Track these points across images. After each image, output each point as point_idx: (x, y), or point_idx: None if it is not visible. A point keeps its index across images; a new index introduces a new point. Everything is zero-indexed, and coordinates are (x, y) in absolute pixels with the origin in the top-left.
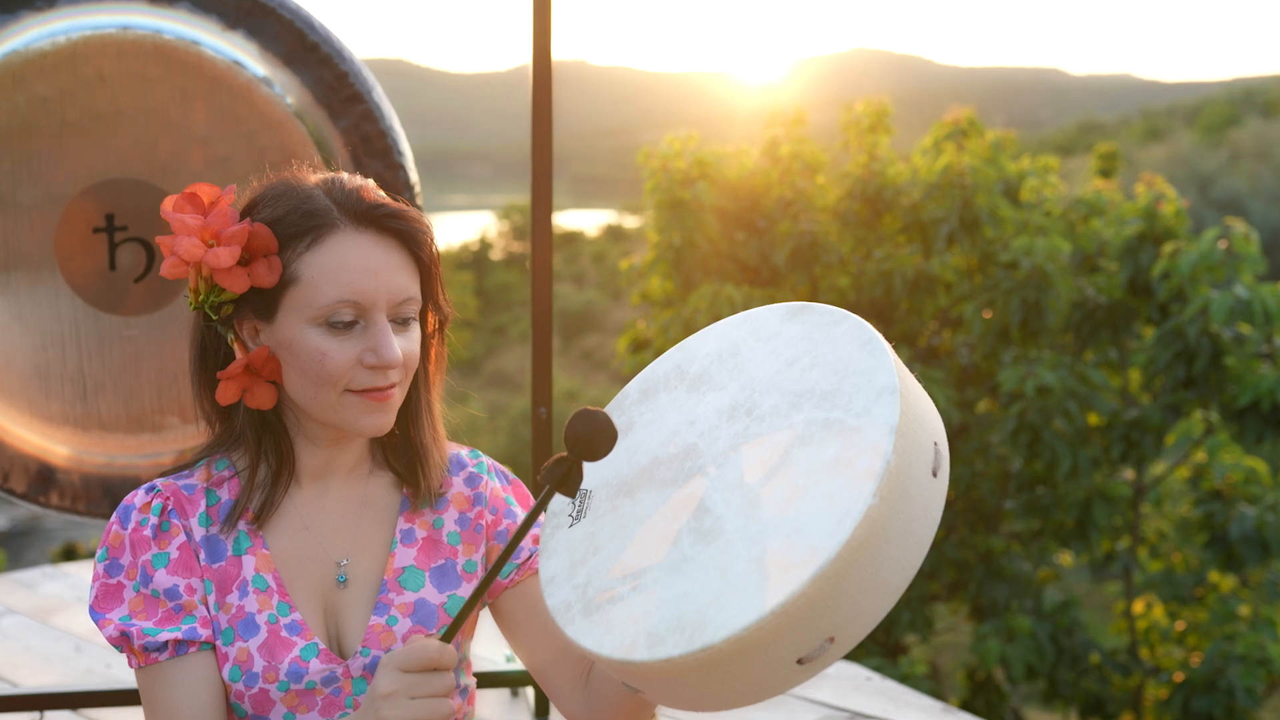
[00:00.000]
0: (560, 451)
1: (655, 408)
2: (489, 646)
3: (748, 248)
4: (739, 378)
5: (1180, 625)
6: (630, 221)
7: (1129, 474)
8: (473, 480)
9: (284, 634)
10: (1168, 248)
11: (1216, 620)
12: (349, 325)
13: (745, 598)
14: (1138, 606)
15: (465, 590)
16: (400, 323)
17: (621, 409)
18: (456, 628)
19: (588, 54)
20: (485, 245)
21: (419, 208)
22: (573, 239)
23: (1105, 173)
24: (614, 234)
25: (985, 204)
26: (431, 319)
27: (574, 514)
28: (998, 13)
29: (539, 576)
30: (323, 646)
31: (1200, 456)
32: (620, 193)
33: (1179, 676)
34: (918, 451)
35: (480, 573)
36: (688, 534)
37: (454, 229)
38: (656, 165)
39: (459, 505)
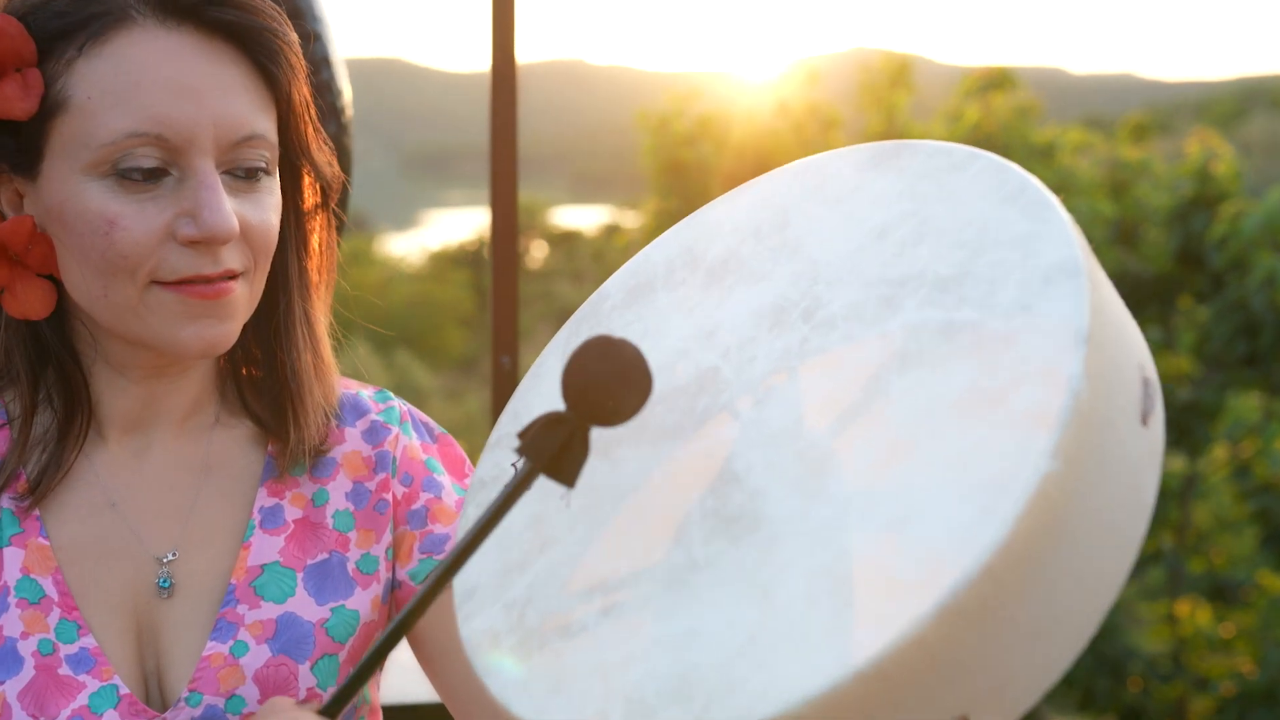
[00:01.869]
0: (552, 409)
1: (649, 314)
2: (405, 676)
3: None
4: (790, 261)
5: (1228, 630)
6: (630, 220)
7: (1177, 464)
8: (376, 433)
9: (64, 670)
10: (1226, 209)
11: (1266, 625)
12: (152, 176)
13: (808, 645)
14: (1181, 609)
15: (359, 602)
16: (242, 176)
17: (596, 318)
18: (349, 696)
19: (585, 53)
20: (482, 243)
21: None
22: (571, 238)
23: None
24: (612, 232)
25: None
26: (309, 186)
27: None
28: (998, 12)
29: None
30: (126, 691)
31: (1252, 444)
32: (619, 191)
33: (1229, 689)
34: (1119, 381)
35: (384, 572)
36: (701, 522)
37: (450, 226)
38: (655, 124)
39: (353, 471)
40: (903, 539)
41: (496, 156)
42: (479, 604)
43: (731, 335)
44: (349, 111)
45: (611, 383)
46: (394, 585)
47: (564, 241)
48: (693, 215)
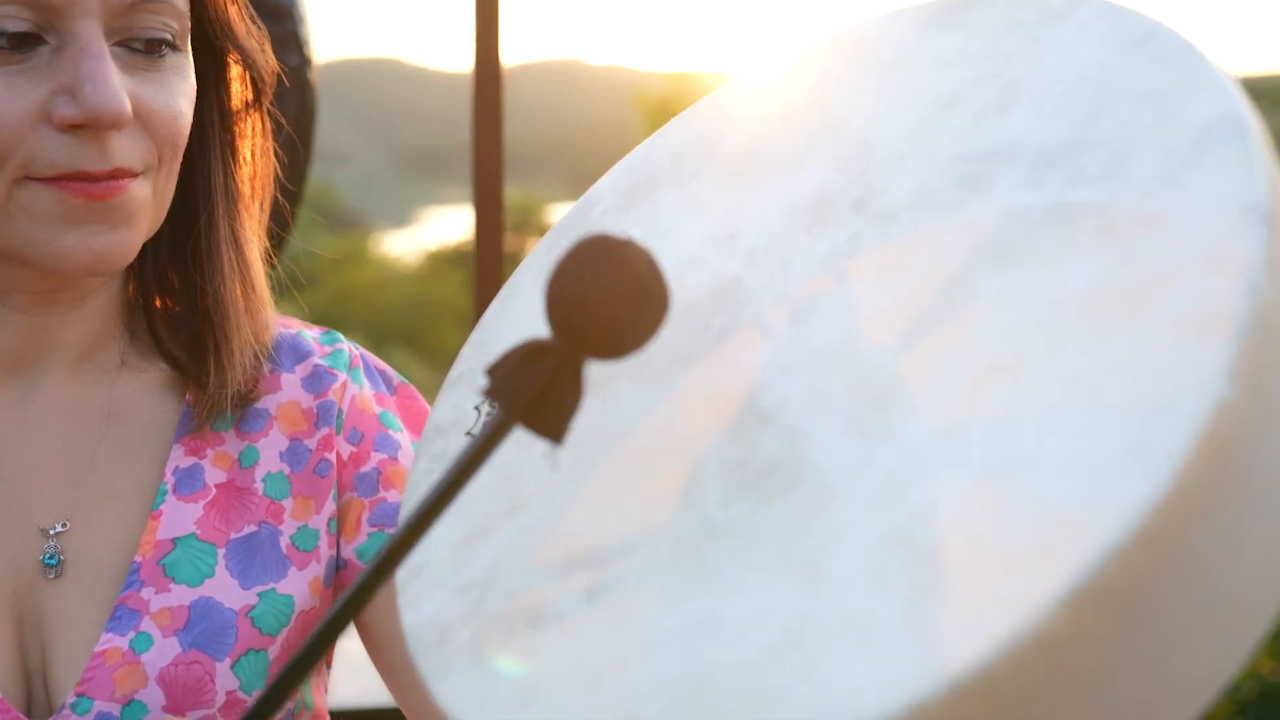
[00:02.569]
0: (534, 336)
1: (652, 217)
2: (354, 679)
3: None
4: (832, 144)
5: None
6: None
7: None
8: (319, 380)
9: None
10: None
11: None
12: (22, 44)
13: (875, 644)
14: None
15: (294, 585)
16: (141, 50)
17: (583, 228)
18: (279, 702)
19: (582, 53)
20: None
21: None
22: None
23: None
24: None
25: None
26: (239, 79)
27: (478, 433)
28: None
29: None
30: None
31: None
32: None
33: (1250, 690)
34: None
35: (325, 549)
36: (721, 474)
37: (447, 224)
38: (655, 107)
39: (290, 425)
40: (1009, 494)
41: (481, 156)
42: (428, 584)
43: (758, 236)
44: (312, 46)
45: (613, 299)
46: (339, 565)
47: None
48: (701, 101)
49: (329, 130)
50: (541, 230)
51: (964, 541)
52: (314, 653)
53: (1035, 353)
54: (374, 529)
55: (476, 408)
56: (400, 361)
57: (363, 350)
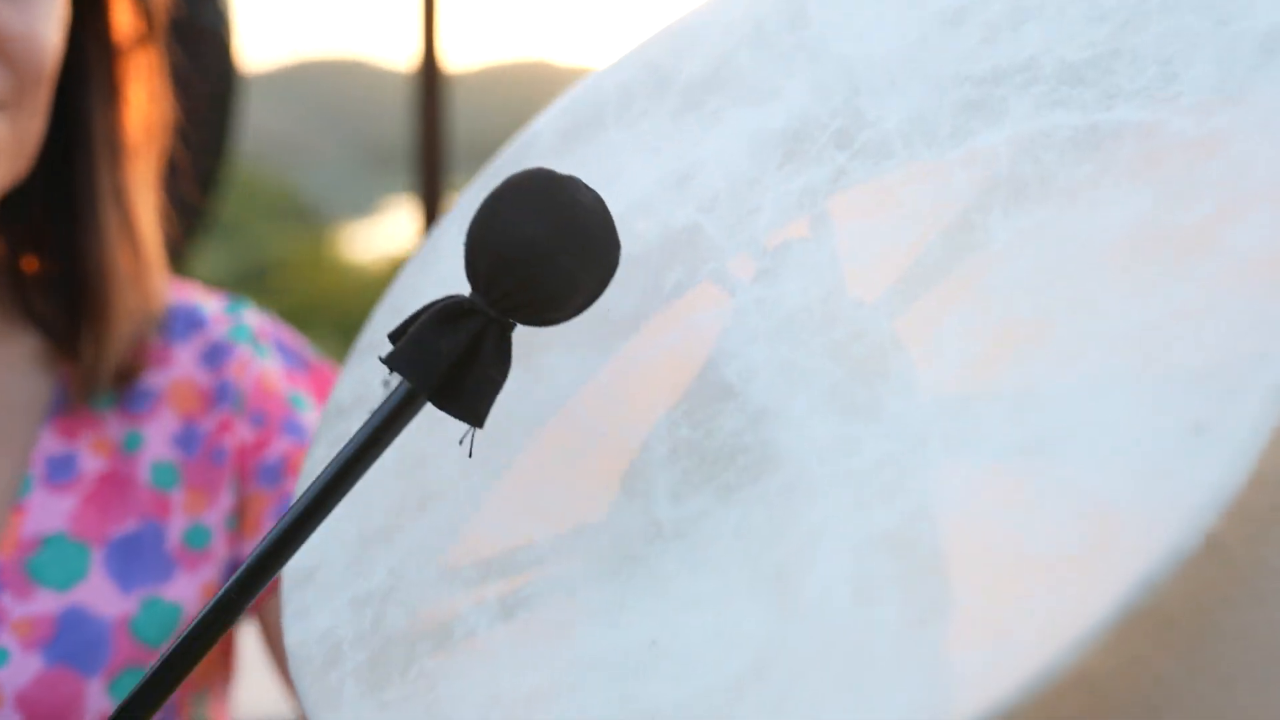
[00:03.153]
0: (451, 292)
1: (596, 157)
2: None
3: None
4: (810, 67)
5: None
6: None
7: None
8: (217, 355)
9: None
10: None
11: None
12: None
13: (865, 674)
14: None
15: (183, 590)
16: None
17: (516, 167)
18: (157, 703)
19: (550, 54)
20: None
21: None
22: None
23: None
24: None
25: None
26: (126, 8)
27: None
28: None
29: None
30: None
31: None
32: None
33: None
34: None
35: (222, 549)
36: (669, 461)
37: (408, 218)
38: None
39: (182, 405)
40: (1036, 486)
41: (426, 156)
42: (320, 593)
43: (720, 178)
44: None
45: (550, 248)
46: (237, 568)
47: None
48: (657, 30)
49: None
50: None
51: (977, 547)
52: (178, 665)
53: (1064, 309)
54: None
55: (385, 382)
56: None
57: (273, 321)
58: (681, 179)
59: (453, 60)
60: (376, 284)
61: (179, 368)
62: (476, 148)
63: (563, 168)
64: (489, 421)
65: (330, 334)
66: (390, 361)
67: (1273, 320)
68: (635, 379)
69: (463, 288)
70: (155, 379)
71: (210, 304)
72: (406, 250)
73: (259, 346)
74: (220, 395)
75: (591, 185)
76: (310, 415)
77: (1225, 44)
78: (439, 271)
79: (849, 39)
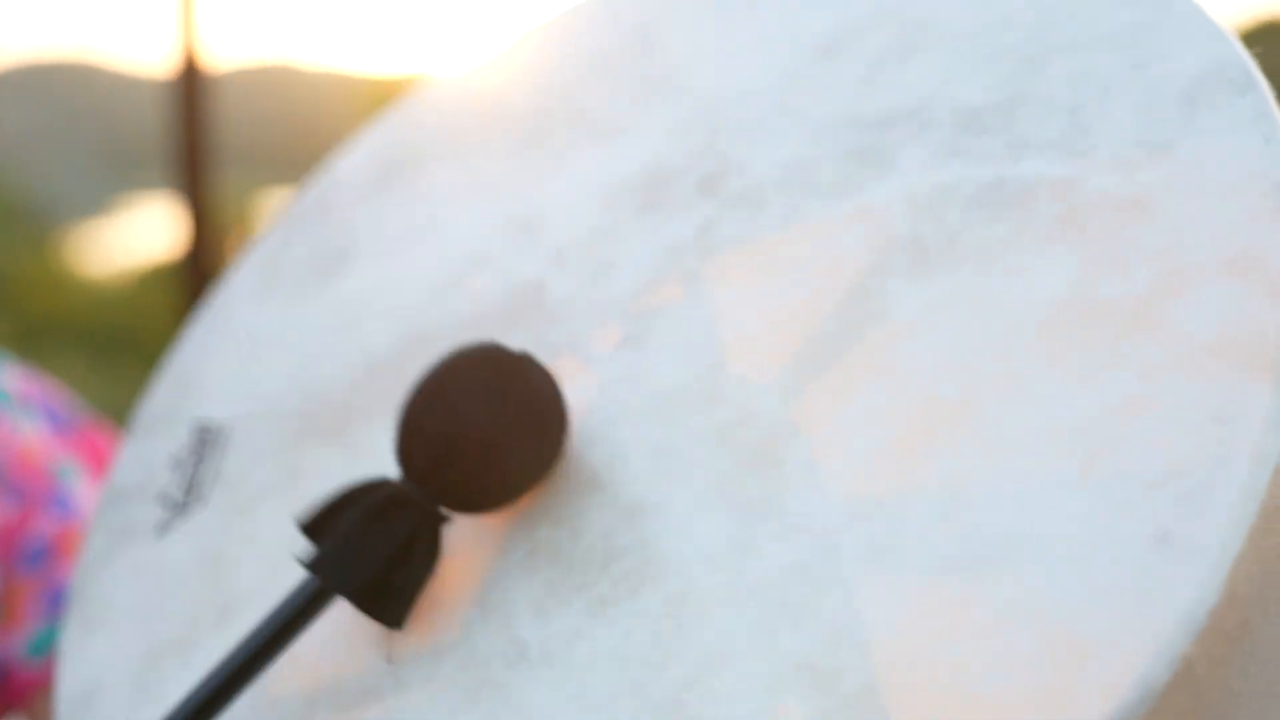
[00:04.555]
0: (373, 474)
1: (419, 199)
2: None
3: None
4: (664, 104)
5: None
6: None
7: None
8: None
9: None
10: None
11: None
12: None
13: None
14: None
15: None
16: None
17: (326, 216)
18: None
19: (293, 57)
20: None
21: None
22: None
23: None
24: None
25: None
26: None
27: (175, 498)
28: None
29: (58, 683)
30: None
31: None
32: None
33: None
34: None
35: None
36: (529, 568)
37: (140, 224)
38: (372, 104)
39: None
40: (981, 604)
41: (188, 159)
42: (102, 711)
43: (567, 227)
44: None
45: (503, 441)
46: (4, 667)
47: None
48: (482, 58)
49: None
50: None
51: (915, 683)
52: None
53: (988, 393)
54: (50, 620)
55: (175, 462)
56: (117, 373)
57: (34, 376)
58: (522, 227)
59: (205, 62)
60: (117, 299)
61: None
62: (220, 151)
63: (380, 208)
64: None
65: (68, 353)
66: (315, 567)
67: (1227, 415)
68: None
69: (266, 353)
70: None
71: None
72: (149, 262)
73: (19, 410)
74: None
75: (415, 232)
76: (80, 486)
77: (1142, 92)
78: (230, 331)
79: (707, 73)
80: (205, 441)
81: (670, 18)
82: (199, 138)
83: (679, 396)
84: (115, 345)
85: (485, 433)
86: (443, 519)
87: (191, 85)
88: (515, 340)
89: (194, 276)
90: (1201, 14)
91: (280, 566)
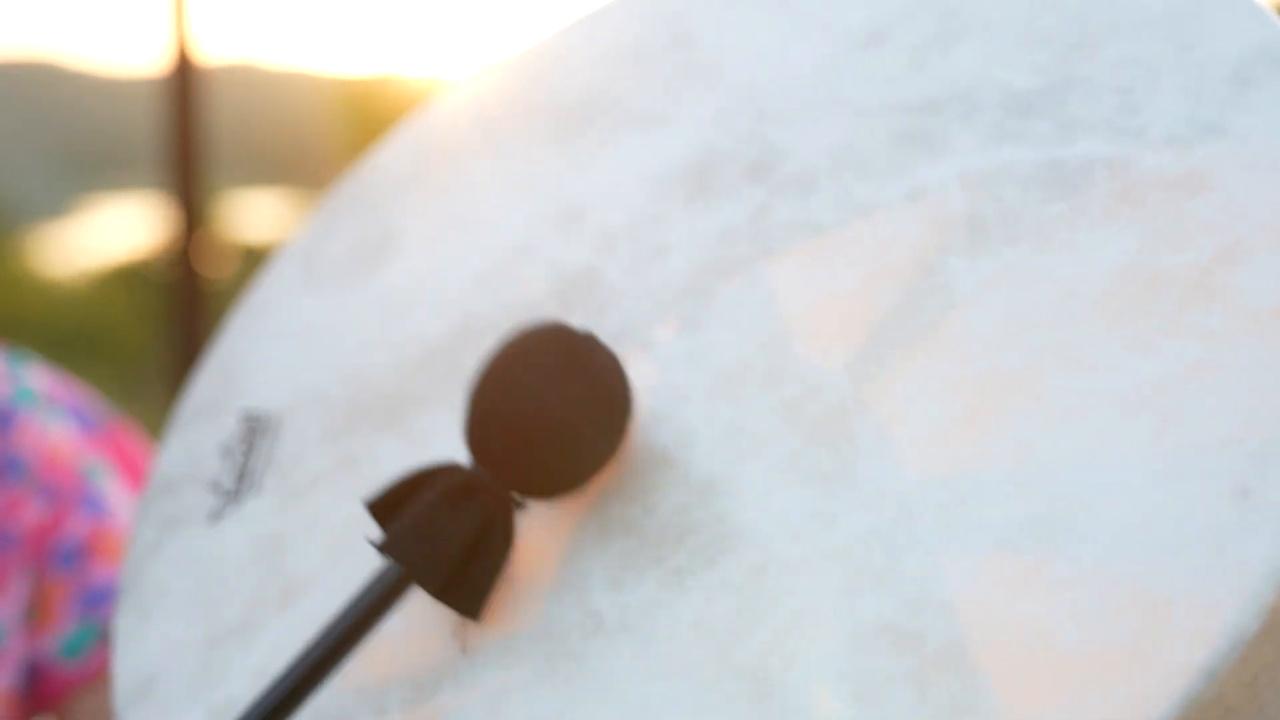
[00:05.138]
0: (442, 459)
1: (460, 191)
2: None
3: None
4: (705, 92)
5: None
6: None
7: None
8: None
9: None
10: None
11: None
12: None
13: None
14: None
15: None
16: None
17: (365, 206)
18: None
19: (258, 56)
20: (157, 259)
21: None
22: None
23: None
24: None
25: None
26: None
27: (227, 486)
28: None
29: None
30: None
31: None
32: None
33: None
34: None
35: (18, 648)
36: (603, 541)
37: (107, 226)
38: (351, 106)
39: None
40: (1058, 566)
41: (179, 156)
42: (162, 711)
43: (615, 213)
44: None
45: (574, 423)
46: (37, 668)
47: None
48: (516, 51)
49: None
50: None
51: (999, 641)
52: None
53: (1053, 362)
54: (84, 618)
55: (224, 450)
56: (83, 370)
57: (60, 378)
58: (569, 215)
59: (196, 61)
60: (79, 300)
61: None
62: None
63: (420, 201)
64: (362, 480)
65: (35, 353)
66: (389, 550)
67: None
68: None
69: (309, 346)
70: None
71: None
72: (109, 262)
73: (44, 408)
74: (5, 469)
75: (457, 223)
76: (109, 486)
77: (1191, 73)
78: (274, 323)
79: (746, 62)
80: (255, 430)
81: (705, 10)
82: (189, 136)
83: (744, 374)
84: (77, 345)
85: (555, 415)
86: (517, 505)
87: (183, 84)
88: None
89: (186, 273)
90: None
91: (342, 550)
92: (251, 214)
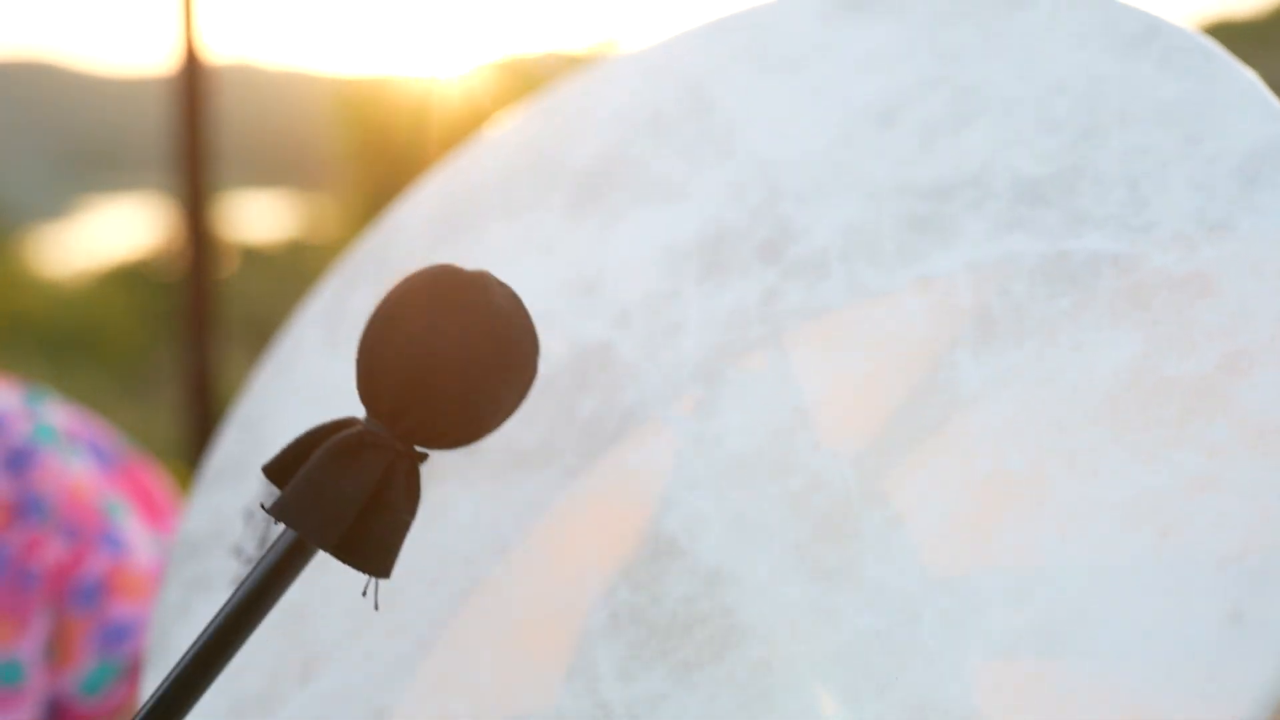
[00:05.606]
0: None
1: (477, 254)
2: None
3: None
4: (721, 164)
5: None
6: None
7: None
8: (20, 461)
9: None
10: None
11: None
12: None
13: None
14: None
15: None
16: None
17: (385, 263)
18: None
19: (256, 56)
20: (157, 258)
21: None
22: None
23: None
24: (297, 247)
25: None
26: None
27: (249, 552)
28: (691, 10)
29: None
30: None
31: None
32: (300, 179)
33: None
34: None
35: (40, 685)
36: (612, 633)
37: (106, 226)
38: (354, 110)
39: None
40: (1061, 677)
41: (186, 165)
42: None
43: (629, 288)
44: None
45: (466, 365)
46: (57, 704)
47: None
48: (536, 103)
49: None
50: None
51: None
52: None
53: (1061, 469)
54: (104, 656)
55: (248, 513)
56: (80, 376)
57: (77, 414)
58: (585, 287)
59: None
60: (79, 299)
61: None
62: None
63: (438, 261)
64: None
65: (33, 352)
66: (279, 512)
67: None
68: (554, 528)
69: (330, 399)
70: None
71: (6, 398)
72: (109, 262)
73: (67, 448)
74: (26, 508)
75: None
76: (129, 522)
77: (1200, 167)
78: (295, 378)
79: (761, 134)
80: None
81: (722, 75)
82: (196, 135)
83: (753, 463)
84: (77, 346)
85: (448, 358)
86: (418, 456)
87: (190, 83)
88: (587, 402)
89: (187, 273)
90: (1252, 88)
91: (362, 622)
92: (251, 214)
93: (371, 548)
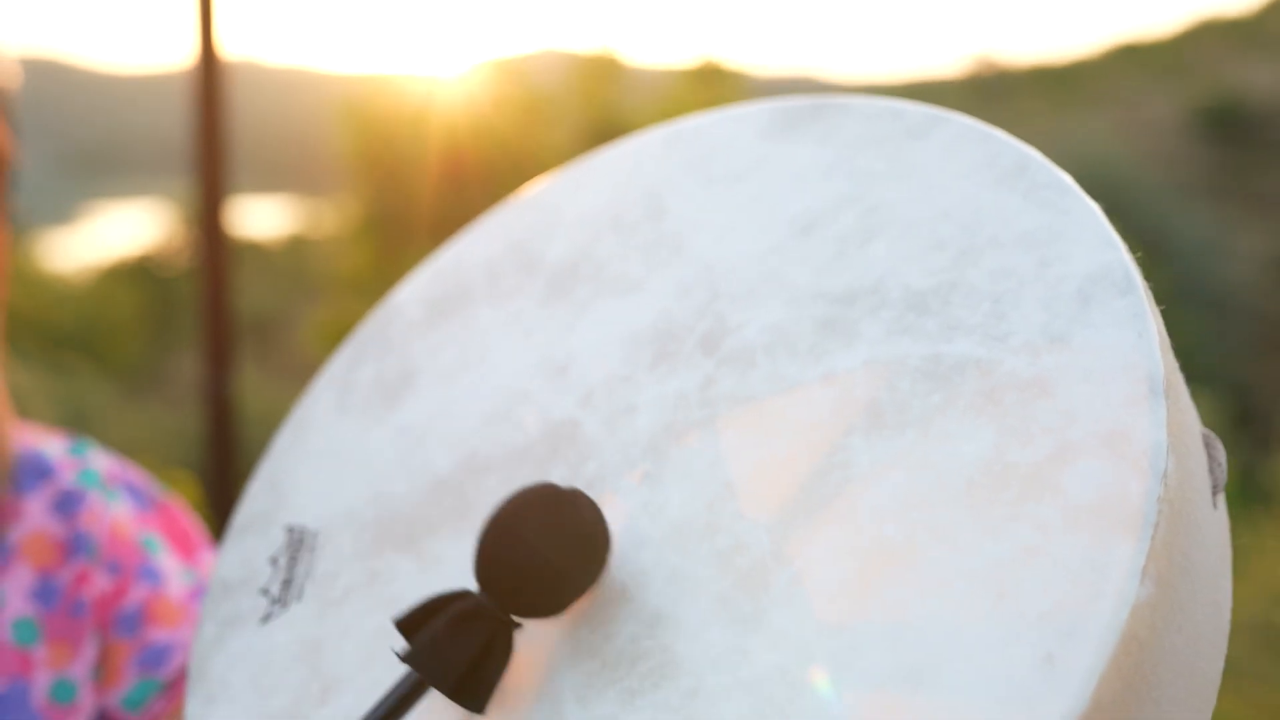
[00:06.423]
0: (455, 586)
1: (466, 337)
2: None
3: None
4: (671, 265)
5: None
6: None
7: None
8: (70, 504)
9: None
10: None
11: None
12: None
13: None
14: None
15: None
16: None
17: (385, 342)
18: None
19: (259, 54)
20: (158, 253)
21: None
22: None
23: None
24: (298, 245)
25: None
26: None
27: (274, 593)
28: (689, 11)
29: None
30: None
31: None
32: (303, 183)
33: None
34: (1193, 445)
35: (90, 703)
36: (573, 664)
37: (113, 223)
38: (357, 114)
39: (38, 558)
40: (919, 710)
41: (203, 162)
42: None
43: (594, 371)
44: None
45: (565, 566)
46: (104, 719)
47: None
48: (515, 201)
49: None
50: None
51: None
52: None
53: (928, 539)
54: (142, 675)
55: (273, 560)
56: (88, 368)
57: (115, 460)
58: (558, 369)
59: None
60: (82, 296)
61: (31, 519)
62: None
63: (432, 343)
64: (383, 605)
65: (36, 351)
66: (411, 660)
67: (1100, 564)
68: None
69: (343, 465)
70: (8, 533)
71: (53, 447)
72: (116, 262)
73: (108, 491)
74: (76, 546)
75: (465, 365)
76: (163, 558)
77: (1048, 287)
78: (312, 443)
79: (706, 238)
80: (298, 544)
81: (677, 182)
82: (213, 135)
83: (688, 526)
84: (83, 344)
85: (544, 557)
86: (515, 625)
87: (207, 81)
88: (557, 470)
89: (196, 272)
90: (1096, 218)
91: (371, 655)
92: (252, 211)
93: (475, 690)
